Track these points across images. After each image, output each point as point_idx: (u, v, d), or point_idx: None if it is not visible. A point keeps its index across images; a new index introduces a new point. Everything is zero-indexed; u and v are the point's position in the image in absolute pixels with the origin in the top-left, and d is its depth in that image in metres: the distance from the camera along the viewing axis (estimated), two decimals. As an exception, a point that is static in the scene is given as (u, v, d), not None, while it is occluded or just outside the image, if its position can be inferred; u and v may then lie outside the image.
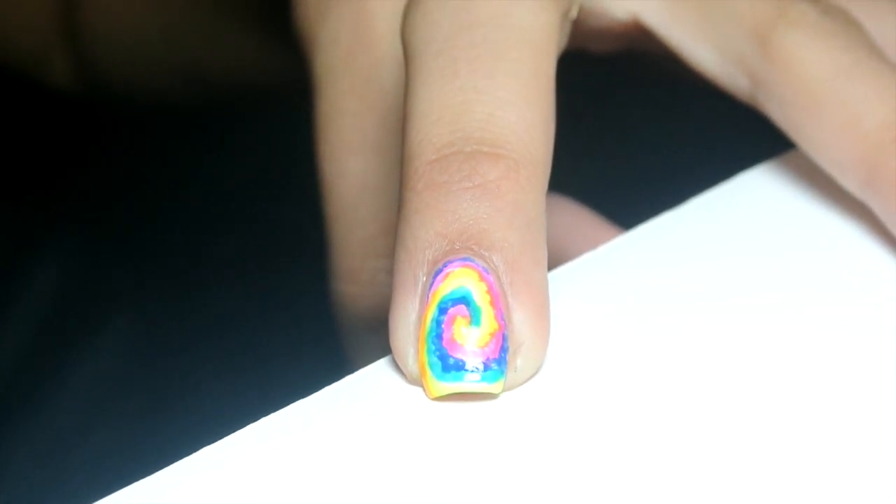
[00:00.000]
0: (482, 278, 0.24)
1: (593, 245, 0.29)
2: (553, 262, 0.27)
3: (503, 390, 0.24)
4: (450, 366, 0.23)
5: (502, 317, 0.24)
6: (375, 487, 0.22)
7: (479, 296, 0.24)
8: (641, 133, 0.37)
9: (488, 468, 0.23)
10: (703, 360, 0.26)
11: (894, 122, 0.29)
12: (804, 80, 0.30)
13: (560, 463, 0.23)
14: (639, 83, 0.37)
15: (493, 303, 0.24)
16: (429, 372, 0.23)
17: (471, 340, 0.23)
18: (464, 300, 0.24)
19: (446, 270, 0.24)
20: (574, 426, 0.24)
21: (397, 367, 0.24)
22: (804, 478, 0.22)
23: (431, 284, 0.24)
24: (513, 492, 0.22)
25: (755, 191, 0.32)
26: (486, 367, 0.23)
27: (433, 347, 0.23)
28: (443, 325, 0.23)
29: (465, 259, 0.24)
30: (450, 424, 0.24)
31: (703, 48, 0.32)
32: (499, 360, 0.23)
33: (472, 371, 0.23)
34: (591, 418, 0.24)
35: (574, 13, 0.32)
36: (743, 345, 0.26)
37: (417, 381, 0.24)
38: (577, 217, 0.30)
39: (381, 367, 0.25)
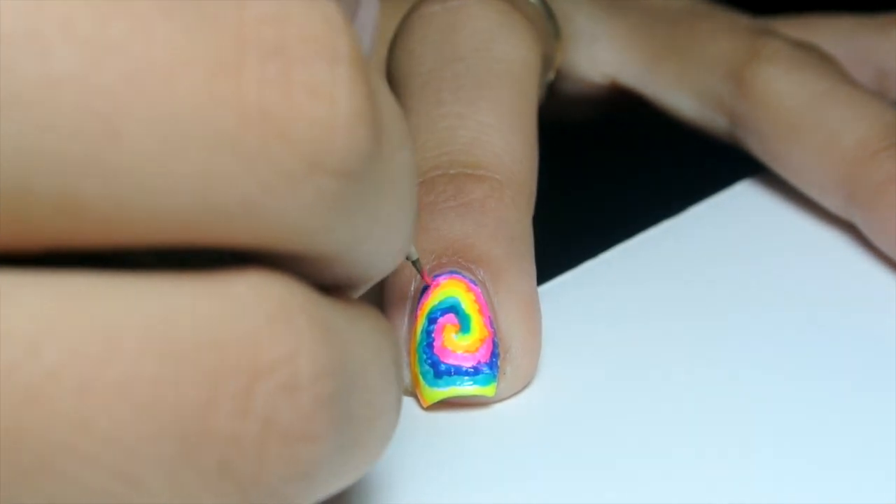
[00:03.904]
0: (469, 289, 0.24)
1: None
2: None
3: (496, 394, 0.24)
4: (441, 372, 0.24)
5: (491, 323, 0.24)
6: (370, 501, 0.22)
7: (468, 305, 0.24)
8: (641, 142, 0.38)
9: (482, 480, 0.23)
10: (704, 366, 0.26)
11: (872, 138, 0.29)
12: (780, 110, 0.31)
13: (559, 470, 0.23)
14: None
15: (482, 311, 0.24)
16: (421, 381, 0.24)
17: (461, 346, 0.24)
18: (452, 309, 0.24)
19: (433, 284, 0.24)
20: (575, 433, 0.24)
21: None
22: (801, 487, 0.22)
23: (420, 299, 0.24)
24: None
25: (754, 199, 0.33)
26: (478, 371, 0.24)
27: (424, 357, 0.24)
28: (433, 335, 0.24)
29: (451, 272, 0.24)
30: (443, 437, 0.24)
31: (681, 96, 0.33)
32: (490, 364, 0.24)
33: (464, 375, 0.24)
34: (593, 424, 0.24)
35: (551, 76, 0.33)
36: (745, 349, 0.26)
37: (411, 393, 0.24)
38: None
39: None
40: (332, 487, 0.16)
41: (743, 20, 0.34)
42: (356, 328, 0.16)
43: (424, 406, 0.24)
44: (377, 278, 0.18)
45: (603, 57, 0.34)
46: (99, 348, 0.13)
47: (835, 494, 0.22)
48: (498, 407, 0.25)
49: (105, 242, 0.14)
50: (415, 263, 0.24)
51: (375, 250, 0.16)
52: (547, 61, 0.32)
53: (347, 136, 0.14)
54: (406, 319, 0.25)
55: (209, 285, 0.14)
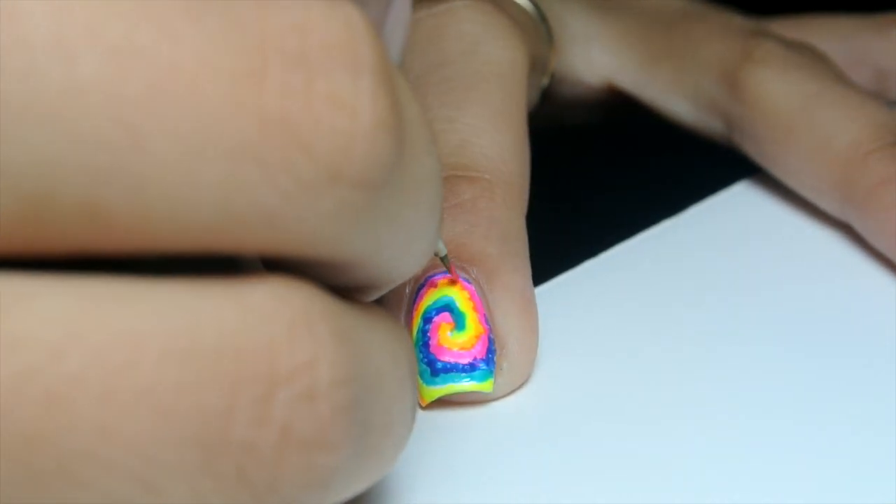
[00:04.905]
0: (464, 288, 0.24)
1: None
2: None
3: (493, 390, 0.24)
4: (438, 370, 0.24)
5: (486, 320, 0.24)
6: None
7: (462, 303, 0.24)
8: (640, 141, 0.38)
9: (481, 479, 0.23)
10: (702, 365, 0.26)
11: (864, 139, 0.29)
12: (774, 113, 0.31)
13: (558, 469, 0.23)
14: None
15: (476, 308, 0.24)
16: (419, 380, 0.24)
17: (457, 344, 0.24)
18: (447, 308, 0.24)
19: (428, 284, 0.24)
20: (574, 433, 0.24)
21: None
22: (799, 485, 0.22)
23: (415, 299, 0.25)
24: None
25: (753, 199, 0.33)
26: (474, 368, 0.24)
27: (421, 356, 0.24)
28: (428, 334, 0.24)
29: (445, 272, 0.25)
30: (442, 437, 0.24)
31: (677, 100, 0.33)
32: (486, 360, 0.24)
33: (461, 372, 0.24)
34: (593, 424, 0.24)
35: (545, 80, 0.33)
36: (743, 348, 0.26)
37: None
38: None
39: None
40: (346, 494, 0.16)
41: (737, 21, 0.34)
42: (374, 335, 0.16)
43: (423, 405, 0.24)
44: (399, 281, 0.18)
45: (598, 59, 0.34)
46: (123, 355, 0.13)
47: (835, 494, 0.22)
48: (497, 407, 0.25)
49: (126, 249, 0.14)
50: (443, 260, 0.24)
51: (398, 256, 0.16)
52: (538, 63, 0.32)
53: (368, 147, 0.14)
54: (402, 321, 0.25)
55: (230, 292, 0.14)
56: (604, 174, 0.38)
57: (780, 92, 0.31)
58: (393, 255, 0.16)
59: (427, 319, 0.24)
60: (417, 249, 0.17)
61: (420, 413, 0.24)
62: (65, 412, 0.13)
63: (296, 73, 0.14)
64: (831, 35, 0.36)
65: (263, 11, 0.14)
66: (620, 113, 0.35)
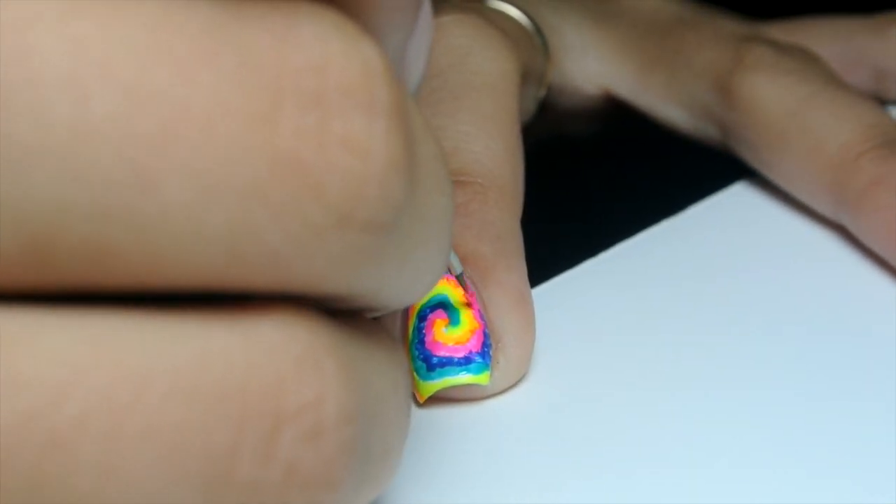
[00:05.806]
0: (457, 285, 0.25)
1: None
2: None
3: (491, 384, 0.24)
4: (434, 365, 0.24)
5: (481, 316, 0.25)
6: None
7: (456, 300, 0.25)
8: (639, 143, 0.38)
9: (479, 479, 0.23)
10: (701, 364, 0.26)
11: (855, 141, 0.30)
12: (766, 118, 0.31)
13: (556, 470, 0.23)
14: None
15: (471, 305, 0.25)
16: (415, 376, 0.24)
17: (452, 338, 0.24)
18: (441, 305, 0.24)
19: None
20: (574, 433, 0.24)
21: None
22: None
23: None
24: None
25: (751, 199, 0.33)
26: (470, 361, 0.24)
27: (416, 353, 0.24)
28: (424, 331, 0.24)
29: None
30: (440, 437, 0.24)
31: (672, 107, 0.34)
32: (482, 353, 0.24)
33: (457, 365, 0.24)
34: (592, 424, 0.24)
35: (542, 92, 0.33)
36: (741, 347, 0.26)
37: None
38: None
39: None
40: None
41: (729, 26, 0.34)
42: (376, 362, 0.16)
43: (420, 401, 0.24)
44: (404, 307, 0.18)
45: (594, 68, 0.35)
46: (127, 394, 0.13)
47: (834, 494, 0.22)
48: (498, 406, 0.25)
49: (130, 287, 0.13)
50: (459, 278, 0.24)
51: (404, 288, 0.16)
52: (534, 75, 0.32)
53: (379, 190, 0.14)
54: (398, 322, 0.25)
55: (236, 327, 0.14)
56: (603, 175, 0.39)
57: (772, 97, 0.31)
58: (399, 288, 0.16)
59: (422, 317, 0.24)
60: (424, 281, 0.17)
61: (418, 412, 0.24)
62: (68, 454, 0.13)
63: (310, 114, 0.13)
64: (830, 36, 0.36)
65: (280, 50, 0.13)
66: (619, 120, 0.36)
